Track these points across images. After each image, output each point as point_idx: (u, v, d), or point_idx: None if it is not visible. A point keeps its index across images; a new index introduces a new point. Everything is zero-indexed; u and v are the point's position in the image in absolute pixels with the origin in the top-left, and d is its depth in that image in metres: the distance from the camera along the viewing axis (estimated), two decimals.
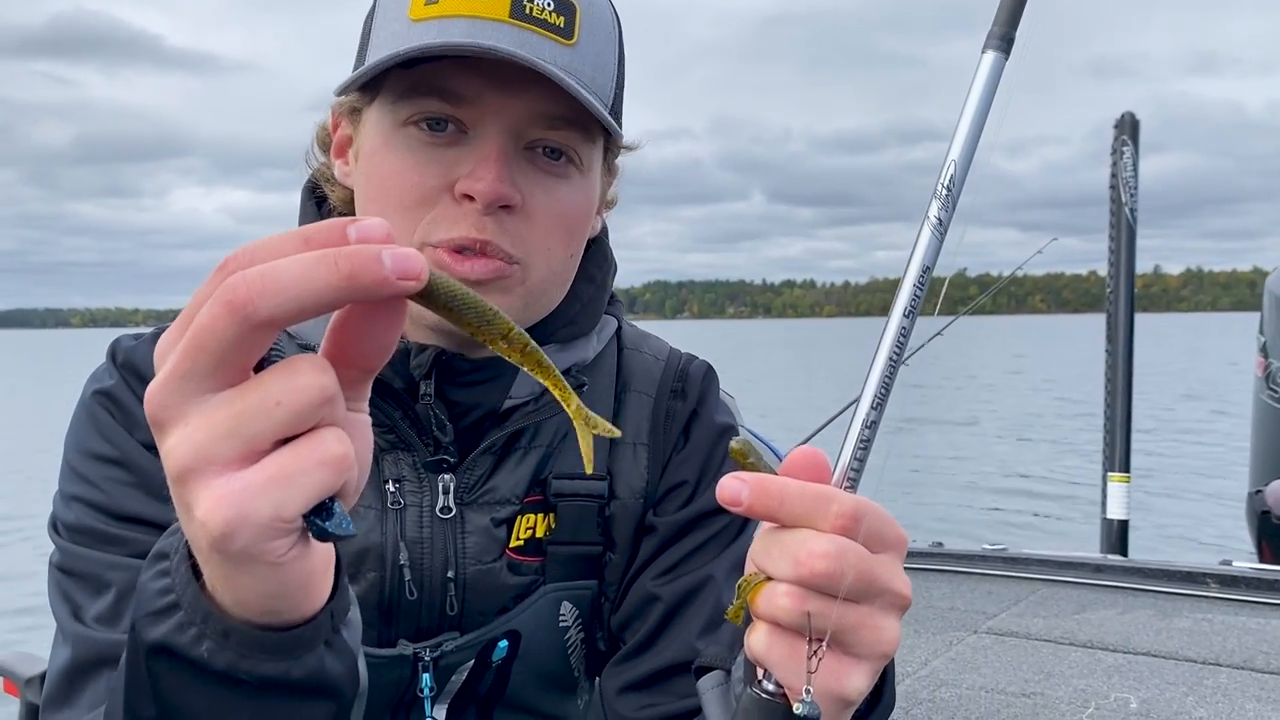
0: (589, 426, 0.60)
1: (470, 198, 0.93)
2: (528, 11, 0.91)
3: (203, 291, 0.49)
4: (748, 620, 0.69)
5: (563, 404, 0.59)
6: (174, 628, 0.57)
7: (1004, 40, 0.75)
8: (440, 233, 0.94)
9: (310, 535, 0.52)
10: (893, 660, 0.77)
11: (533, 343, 0.56)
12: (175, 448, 0.50)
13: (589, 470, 0.66)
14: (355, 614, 0.65)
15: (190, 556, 0.56)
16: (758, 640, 0.66)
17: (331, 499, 0.52)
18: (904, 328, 0.72)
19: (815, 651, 0.63)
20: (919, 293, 0.72)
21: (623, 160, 1.11)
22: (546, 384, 0.57)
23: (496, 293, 0.97)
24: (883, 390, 0.71)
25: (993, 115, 0.74)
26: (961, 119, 0.74)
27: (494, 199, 0.92)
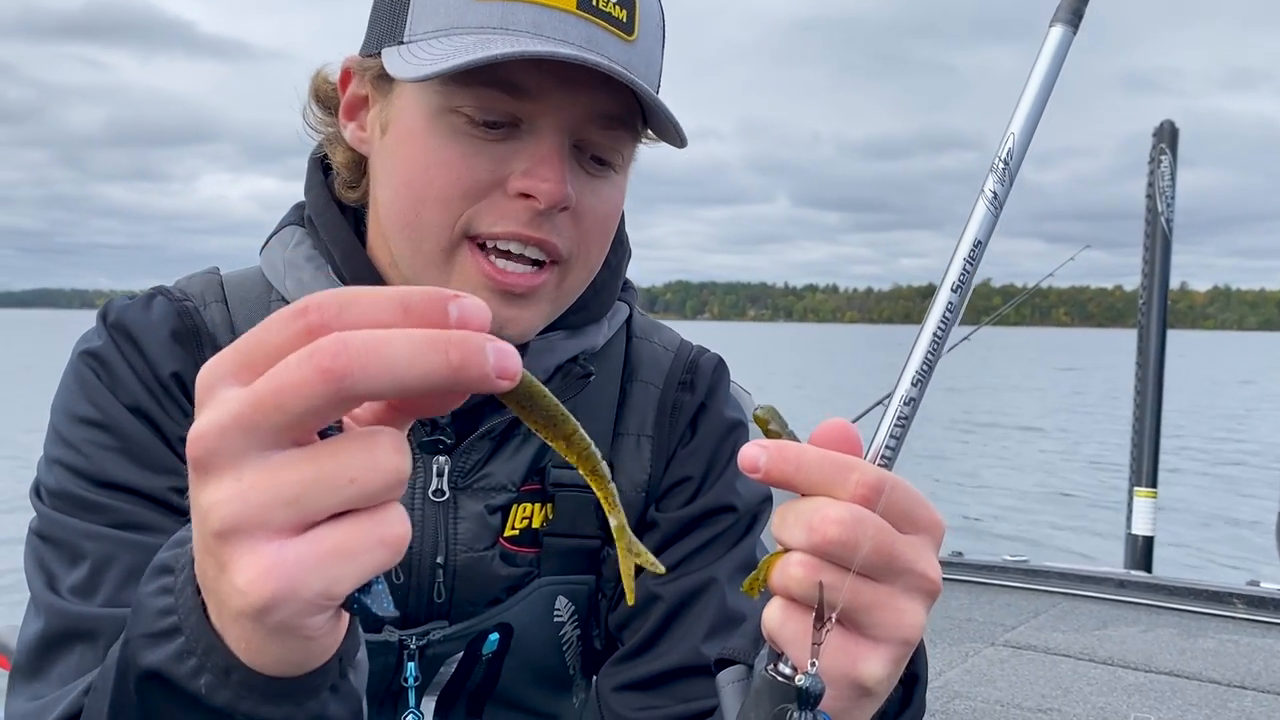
0: (632, 554, 0.58)
1: (527, 195, 0.89)
2: (594, 3, 0.88)
3: (280, 335, 0.45)
4: (767, 598, 0.65)
5: (609, 518, 0.57)
6: (172, 655, 0.52)
7: (1074, 14, 0.72)
8: (488, 225, 0.90)
9: (347, 609, 0.49)
10: (925, 665, 0.72)
11: (592, 446, 0.53)
12: (222, 503, 0.46)
13: (630, 602, 0.62)
14: (363, 654, 0.61)
15: (192, 579, 0.52)
16: (771, 615, 0.63)
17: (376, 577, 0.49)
18: (952, 303, 0.69)
19: (823, 625, 0.60)
20: (969, 268, 0.69)
21: (648, 155, 1.07)
22: (599, 495, 0.55)
23: (532, 304, 0.94)
24: (926, 367, 0.68)
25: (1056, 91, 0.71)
26: (1025, 91, 0.71)
27: (557, 201, 0.89)
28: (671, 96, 1.00)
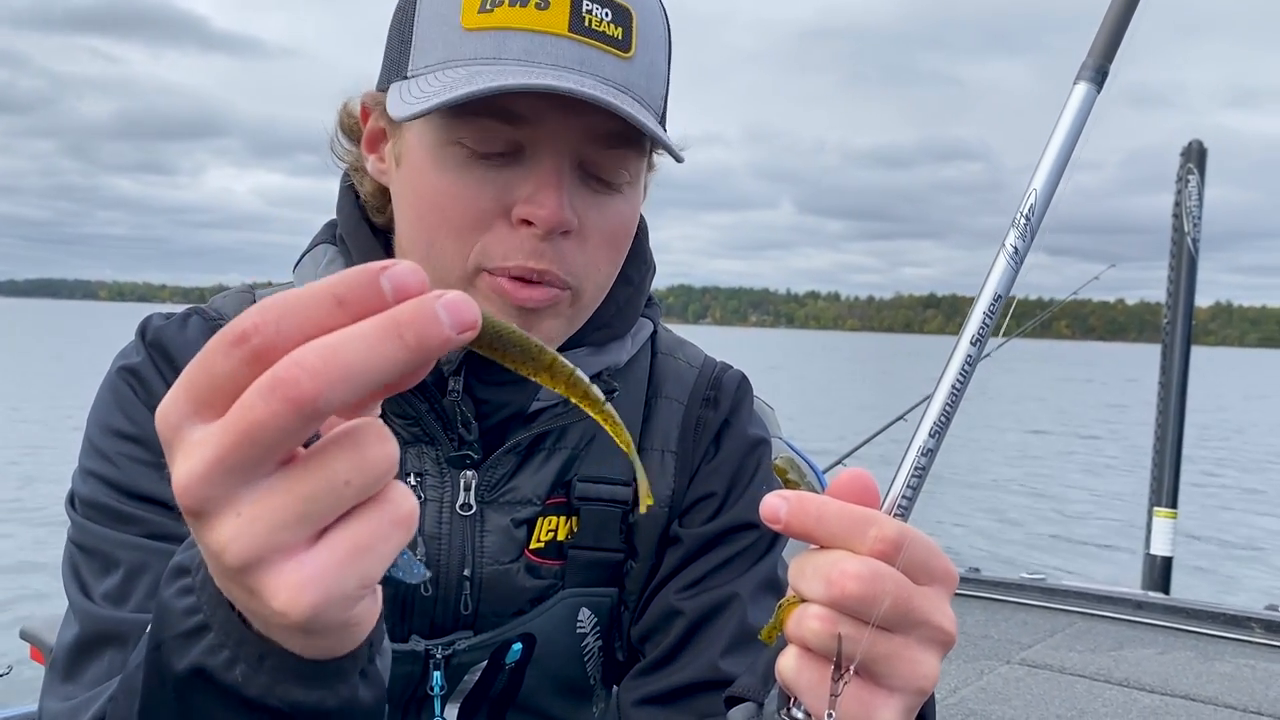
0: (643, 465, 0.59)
1: (529, 222, 0.91)
2: (587, 24, 0.88)
3: (227, 366, 0.44)
4: (782, 645, 0.66)
5: (614, 438, 0.56)
6: (205, 651, 0.54)
7: (1098, 73, 0.73)
8: (497, 260, 0.92)
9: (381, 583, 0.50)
10: (933, 700, 0.74)
11: (578, 372, 0.53)
12: (232, 541, 0.46)
13: (644, 508, 0.61)
14: (388, 641, 0.63)
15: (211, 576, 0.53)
16: (787, 664, 0.64)
17: None
18: (970, 355, 0.70)
19: (841, 676, 0.61)
20: (989, 321, 0.70)
21: (656, 160, 1.09)
22: (594, 416, 0.55)
23: (549, 318, 0.96)
24: (944, 419, 0.69)
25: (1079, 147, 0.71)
26: (1048, 148, 0.72)
27: (556, 226, 0.90)
28: (678, 101, 1.01)
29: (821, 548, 0.63)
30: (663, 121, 0.99)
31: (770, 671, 0.70)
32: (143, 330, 1.01)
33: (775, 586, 1.08)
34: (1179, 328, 5.44)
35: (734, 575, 1.06)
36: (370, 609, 0.51)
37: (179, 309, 1.06)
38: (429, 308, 0.44)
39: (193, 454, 0.45)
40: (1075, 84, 0.73)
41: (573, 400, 0.53)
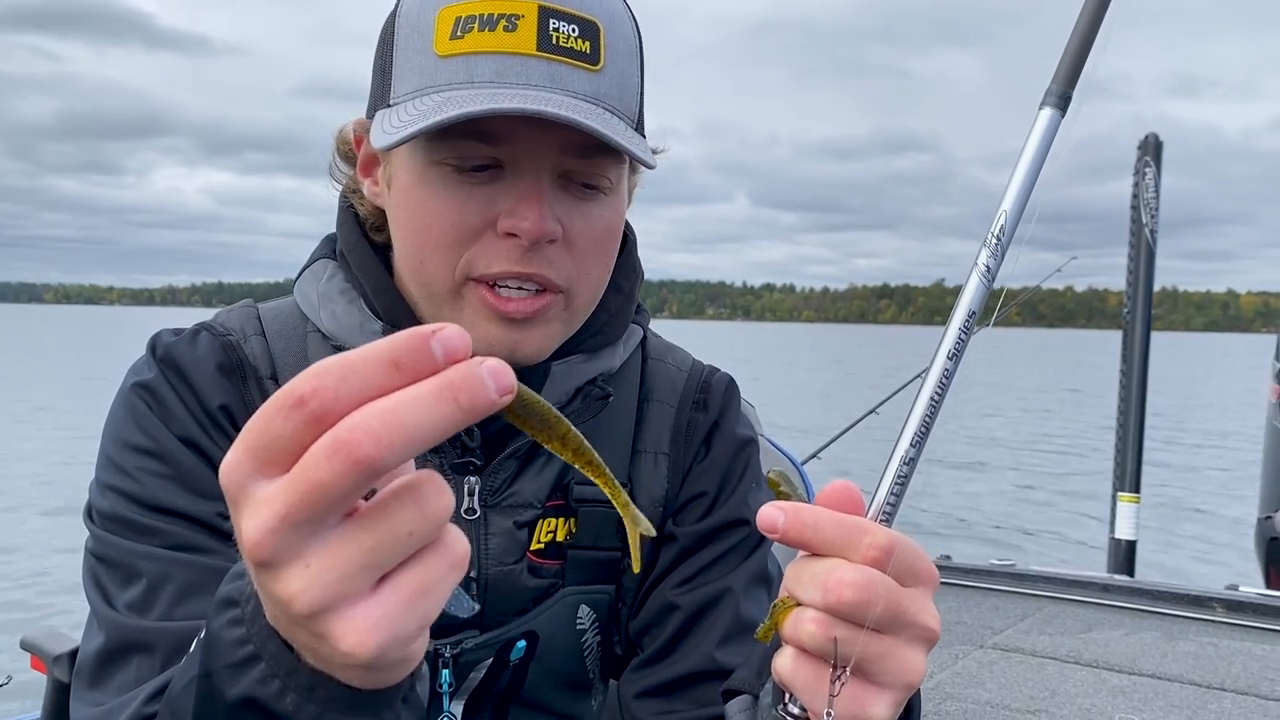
0: (637, 525, 0.63)
1: (514, 235, 0.94)
2: (555, 41, 0.92)
3: (289, 427, 0.47)
4: (776, 642, 0.70)
5: (613, 501, 0.61)
6: (257, 681, 0.57)
7: (1061, 99, 0.76)
8: (483, 268, 0.96)
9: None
10: (919, 692, 0.78)
11: (585, 444, 0.58)
12: (303, 592, 0.49)
13: (636, 569, 0.67)
14: (424, 666, 0.66)
15: (261, 608, 0.56)
16: (784, 664, 0.68)
17: None
18: (948, 370, 0.73)
19: (838, 678, 0.65)
20: (964, 338, 0.73)
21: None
22: (599, 483, 0.59)
23: (540, 325, 0.99)
24: (923, 429, 0.72)
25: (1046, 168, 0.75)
26: (1015, 172, 0.75)
27: (539, 236, 0.94)
28: None
29: (815, 555, 0.67)
30: (640, 128, 1.02)
31: (765, 665, 0.74)
32: (153, 347, 1.03)
33: (766, 579, 1.13)
34: (1139, 316, 5.57)
35: (727, 570, 1.11)
36: (422, 642, 0.55)
37: (189, 328, 1.09)
38: (478, 372, 0.47)
39: (260, 511, 0.48)
40: (1040, 109, 0.77)
41: (577, 466, 0.58)
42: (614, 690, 1.26)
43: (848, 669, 0.65)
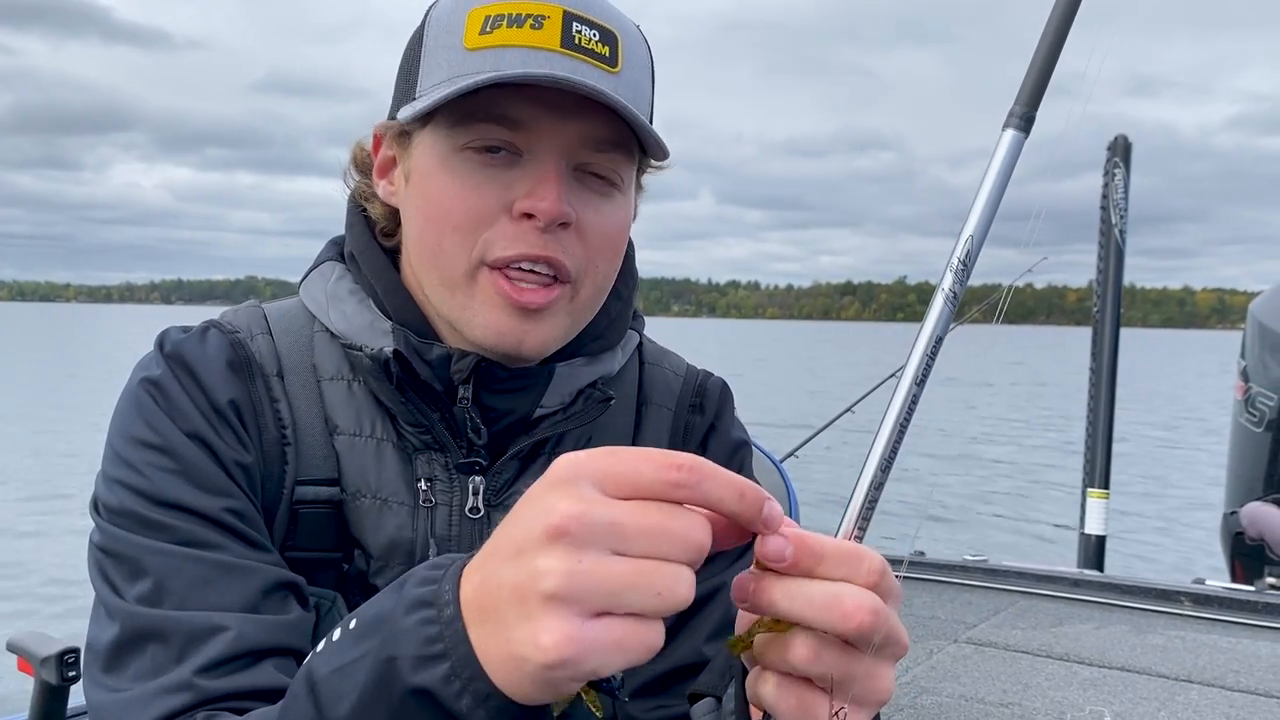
0: None
1: (530, 216, 0.97)
2: (577, 42, 0.96)
3: (651, 477, 0.59)
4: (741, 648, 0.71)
5: None
6: (441, 678, 0.62)
7: (1024, 120, 0.76)
8: (499, 250, 0.98)
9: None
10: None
11: None
12: (561, 573, 0.56)
13: None
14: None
15: (460, 614, 0.62)
16: (768, 690, 0.68)
17: None
18: (915, 394, 0.72)
19: (837, 712, 0.66)
20: (930, 363, 0.73)
21: (645, 183, 1.15)
22: None
23: (549, 318, 1.01)
24: (890, 454, 0.72)
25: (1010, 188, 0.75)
26: (979, 195, 0.75)
27: (555, 217, 0.97)
28: None
29: (807, 577, 0.66)
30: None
31: (728, 669, 0.77)
32: (161, 343, 1.05)
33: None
34: (1108, 314, 5.66)
35: (720, 569, 1.14)
36: (577, 684, 0.61)
37: (194, 317, 1.10)
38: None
39: (592, 504, 0.58)
40: (1004, 130, 0.76)
41: None
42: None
43: (848, 698, 0.66)
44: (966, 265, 0.74)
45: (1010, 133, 0.77)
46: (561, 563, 0.57)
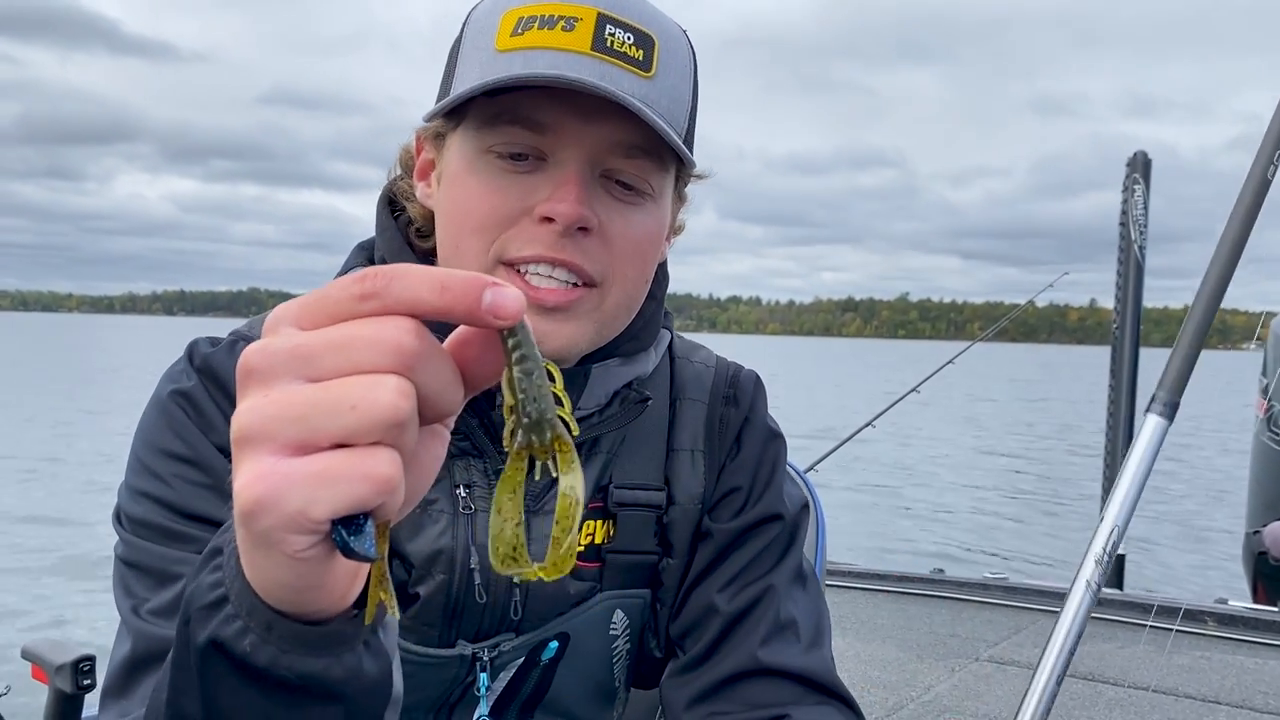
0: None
1: (549, 219, 0.95)
2: (609, 45, 0.94)
3: (340, 295, 0.52)
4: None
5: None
6: (222, 621, 0.58)
7: (1168, 407, 0.74)
8: (515, 250, 0.97)
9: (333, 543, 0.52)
10: None
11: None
12: (246, 411, 0.51)
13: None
14: (392, 617, 0.65)
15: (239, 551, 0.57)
16: None
17: (366, 517, 0.51)
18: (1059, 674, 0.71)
19: None
20: (1068, 659, 0.71)
21: (689, 194, 1.13)
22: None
23: (573, 319, 0.99)
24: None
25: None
26: (1121, 478, 0.73)
27: (573, 220, 0.95)
28: None
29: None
30: (689, 145, 1.04)
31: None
32: (190, 354, 1.03)
33: (803, 577, 1.15)
34: (1128, 332, 5.62)
35: (766, 568, 1.12)
36: (319, 561, 0.53)
37: (220, 329, 1.08)
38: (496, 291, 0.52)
39: (278, 339, 0.52)
40: (1147, 414, 0.74)
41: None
42: (640, 698, 1.26)
43: None
44: (1110, 556, 0.72)
45: (1154, 419, 0.75)
46: (248, 400, 0.51)
